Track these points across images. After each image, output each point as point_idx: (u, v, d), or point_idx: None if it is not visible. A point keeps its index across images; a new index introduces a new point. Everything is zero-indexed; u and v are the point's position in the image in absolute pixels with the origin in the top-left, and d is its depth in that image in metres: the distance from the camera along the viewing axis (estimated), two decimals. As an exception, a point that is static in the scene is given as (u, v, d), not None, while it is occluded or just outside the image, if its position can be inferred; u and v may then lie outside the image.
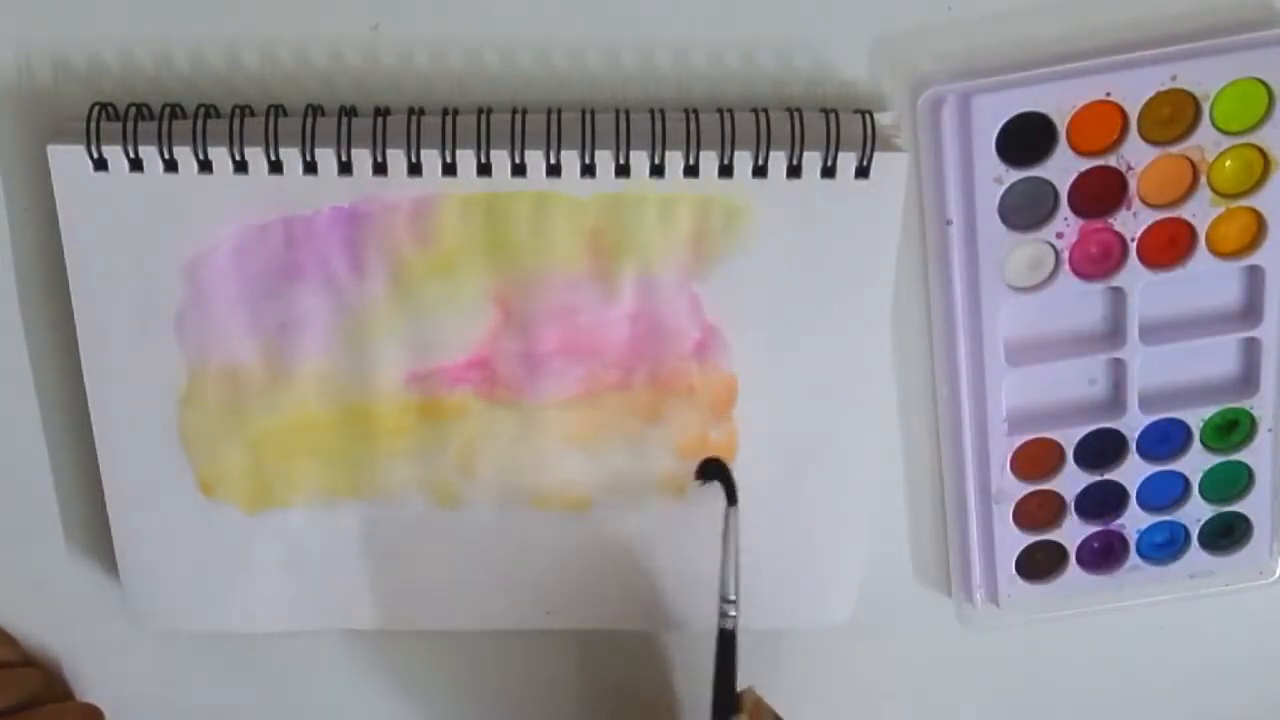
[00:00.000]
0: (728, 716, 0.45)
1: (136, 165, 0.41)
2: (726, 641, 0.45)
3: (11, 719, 0.48)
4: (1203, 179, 0.45)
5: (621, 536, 0.47)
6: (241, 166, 0.42)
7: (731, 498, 0.45)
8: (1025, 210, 0.45)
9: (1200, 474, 0.50)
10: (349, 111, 0.43)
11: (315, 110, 0.42)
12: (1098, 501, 0.50)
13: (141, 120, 0.41)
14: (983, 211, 0.45)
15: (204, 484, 0.46)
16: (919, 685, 0.54)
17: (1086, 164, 0.44)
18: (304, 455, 0.46)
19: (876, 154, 0.42)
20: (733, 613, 0.45)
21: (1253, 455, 0.50)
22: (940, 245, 0.46)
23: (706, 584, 0.48)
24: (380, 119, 0.42)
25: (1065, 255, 0.46)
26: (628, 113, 0.42)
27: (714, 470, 0.46)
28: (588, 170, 0.42)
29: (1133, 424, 0.48)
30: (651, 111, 0.42)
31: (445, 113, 0.42)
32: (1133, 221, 0.45)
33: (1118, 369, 0.48)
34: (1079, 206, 0.45)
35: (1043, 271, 0.46)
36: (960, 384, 0.47)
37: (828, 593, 0.49)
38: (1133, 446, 0.49)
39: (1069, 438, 0.49)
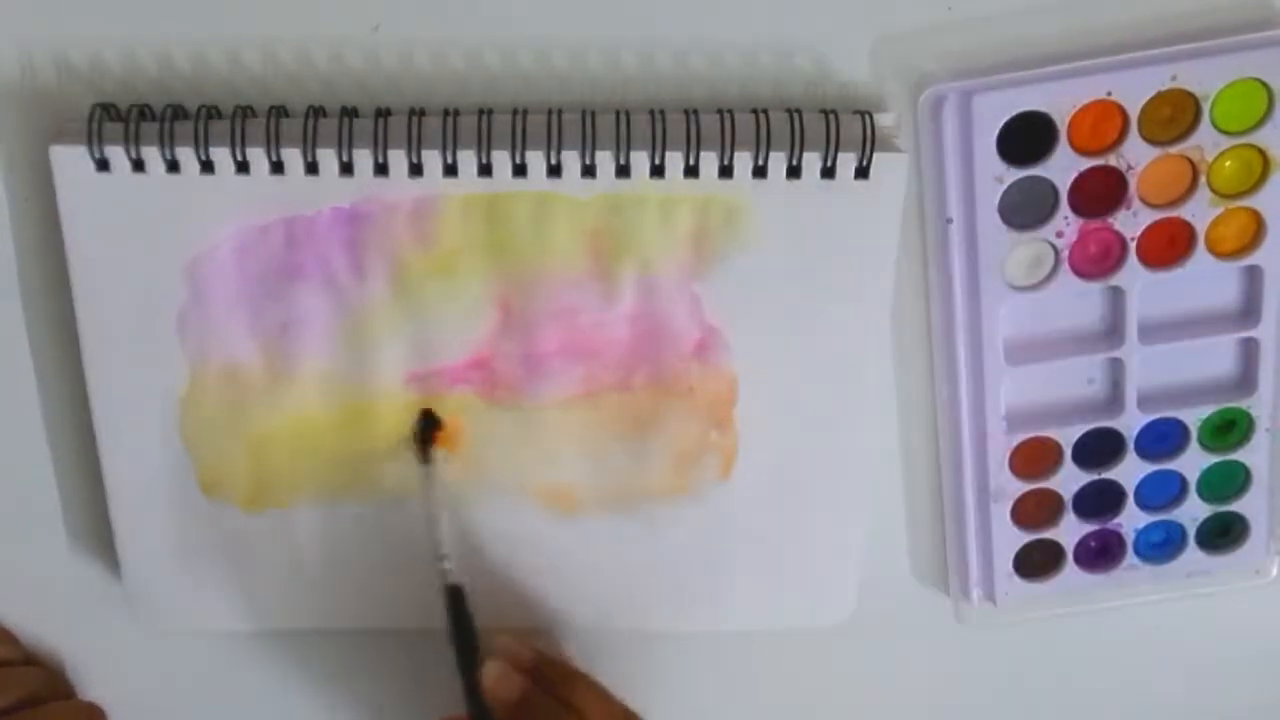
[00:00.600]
0: (475, 666, 0.45)
1: (138, 166, 0.41)
2: (454, 597, 0.45)
3: (13, 717, 0.48)
4: (1202, 179, 0.45)
5: (621, 536, 0.47)
6: (243, 167, 0.42)
7: (425, 457, 0.45)
8: (1025, 209, 0.45)
9: (1198, 474, 0.50)
10: (350, 112, 0.43)
11: (317, 111, 0.42)
12: (1095, 501, 0.50)
13: (143, 121, 0.41)
14: (983, 210, 0.45)
15: (205, 484, 0.46)
16: (918, 684, 0.54)
17: (1087, 163, 0.44)
18: (304, 455, 0.46)
19: (876, 154, 0.42)
20: (448, 566, 0.45)
21: (1250, 455, 0.50)
22: (940, 244, 0.46)
23: (707, 584, 0.48)
24: (381, 120, 0.42)
25: (1065, 254, 0.46)
26: (628, 113, 0.42)
27: (426, 425, 0.45)
28: (588, 171, 0.42)
29: (1131, 423, 0.49)
30: (652, 112, 0.42)
31: (446, 113, 0.42)
32: (1132, 221, 0.45)
33: (1116, 368, 0.48)
34: (1079, 206, 0.45)
35: (1042, 271, 0.46)
36: (959, 383, 0.48)
37: (827, 592, 0.49)
38: (1131, 446, 0.49)
39: (1067, 437, 0.49)
